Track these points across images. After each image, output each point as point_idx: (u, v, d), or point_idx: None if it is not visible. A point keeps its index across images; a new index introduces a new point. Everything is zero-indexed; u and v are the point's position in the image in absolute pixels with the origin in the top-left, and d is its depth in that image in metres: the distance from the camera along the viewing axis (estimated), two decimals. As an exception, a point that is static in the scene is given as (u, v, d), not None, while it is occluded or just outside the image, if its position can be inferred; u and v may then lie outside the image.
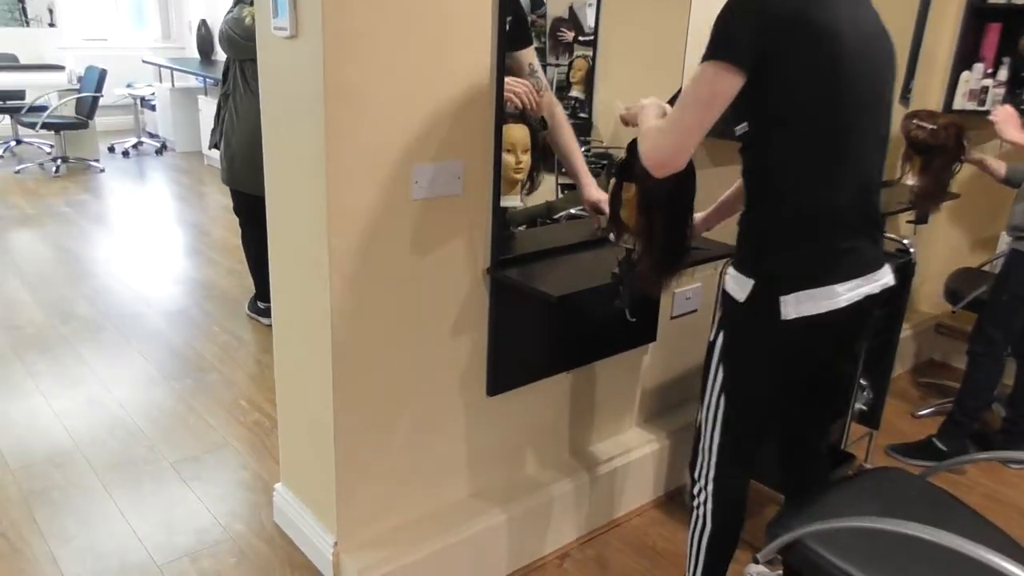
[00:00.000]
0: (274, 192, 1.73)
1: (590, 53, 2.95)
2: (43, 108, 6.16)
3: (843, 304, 1.38)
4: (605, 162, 3.88)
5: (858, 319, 1.46)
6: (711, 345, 1.54)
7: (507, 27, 1.63)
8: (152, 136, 7.56)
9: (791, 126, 1.33)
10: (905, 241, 2.40)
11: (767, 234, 1.41)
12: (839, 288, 1.38)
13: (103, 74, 6.24)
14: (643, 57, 2.60)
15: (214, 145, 3.32)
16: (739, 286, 1.44)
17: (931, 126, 2.60)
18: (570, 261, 1.89)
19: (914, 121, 2.63)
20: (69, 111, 6.37)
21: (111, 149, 7.06)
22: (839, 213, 1.39)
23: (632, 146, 1.62)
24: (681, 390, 2.57)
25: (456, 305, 1.77)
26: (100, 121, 6.82)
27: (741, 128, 1.39)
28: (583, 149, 3.93)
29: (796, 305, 1.37)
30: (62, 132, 6.29)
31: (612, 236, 1.74)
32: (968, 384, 2.61)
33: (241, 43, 3.03)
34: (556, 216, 3.61)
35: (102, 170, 6.34)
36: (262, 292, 3.41)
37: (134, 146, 7.17)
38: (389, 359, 1.69)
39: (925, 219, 2.72)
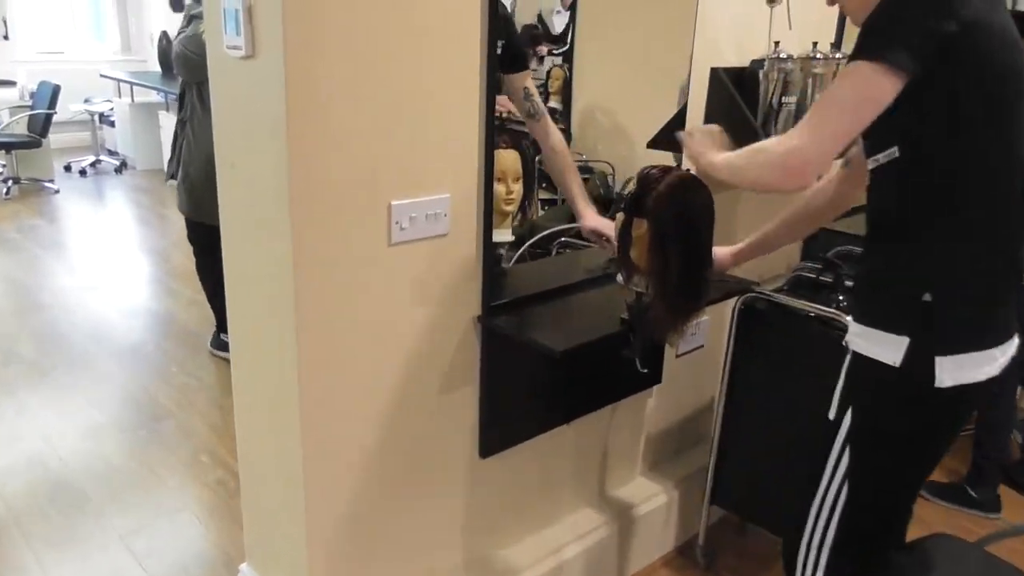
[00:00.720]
0: (231, 238, 1.51)
1: (562, 61, 2.81)
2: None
3: (996, 372, 1.17)
4: (586, 176, 3.70)
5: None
6: (830, 425, 1.27)
7: (499, 50, 1.43)
8: (112, 153, 7.25)
9: (967, 149, 1.11)
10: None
11: (932, 279, 1.14)
12: (996, 352, 1.16)
13: (56, 89, 5.95)
14: (628, 59, 2.43)
15: (171, 176, 3.08)
16: (884, 346, 1.16)
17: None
18: (571, 304, 1.68)
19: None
20: (21, 129, 6.05)
21: (67, 168, 6.74)
22: (1010, 255, 1.17)
23: (644, 179, 1.43)
24: (689, 433, 2.37)
25: (442, 359, 1.56)
26: (56, 139, 6.51)
27: (887, 155, 1.15)
28: None
29: (955, 371, 1.13)
30: (13, 151, 5.97)
31: (621, 278, 1.54)
32: (983, 424, 2.45)
33: (198, 63, 2.80)
34: (539, 235, 3.42)
35: (57, 191, 6.03)
36: (223, 323, 3.15)
37: (92, 164, 6.86)
38: (366, 422, 1.47)
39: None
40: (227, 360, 3.12)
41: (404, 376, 1.50)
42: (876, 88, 1.06)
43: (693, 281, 1.42)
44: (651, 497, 2.14)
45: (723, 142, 1.38)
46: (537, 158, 1.87)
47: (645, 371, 1.82)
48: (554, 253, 2.28)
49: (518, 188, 1.72)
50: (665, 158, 2.26)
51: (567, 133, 3.96)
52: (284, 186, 1.25)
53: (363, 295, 1.39)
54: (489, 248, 1.55)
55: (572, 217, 3.64)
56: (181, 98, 2.96)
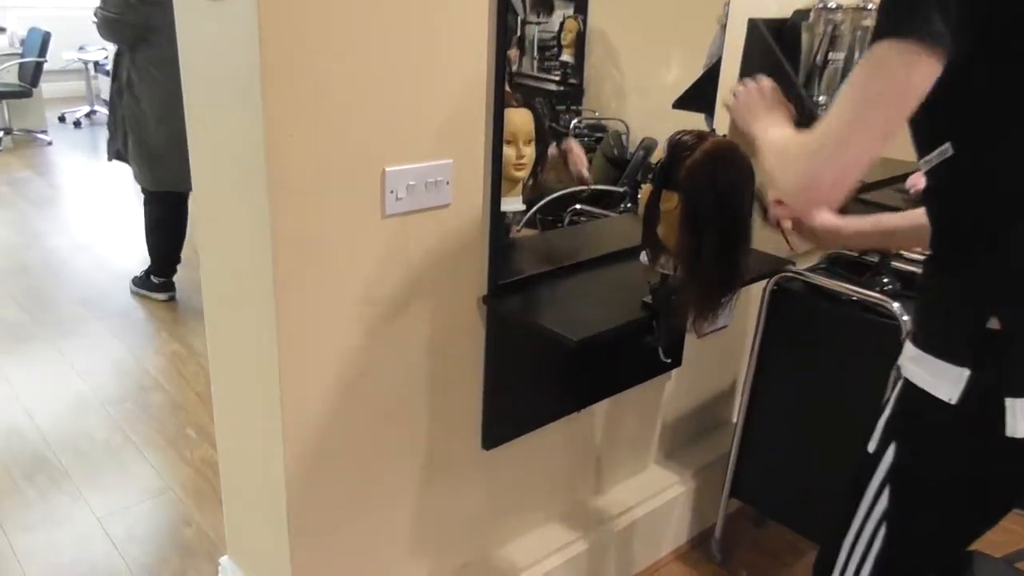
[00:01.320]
0: (204, 207, 1.35)
1: (574, 11, 2.62)
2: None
3: None
4: (601, 135, 3.52)
5: None
6: (869, 458, 1.07)
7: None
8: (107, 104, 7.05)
9: None
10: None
11: (1000, 302, 0.92)
12: None
13: (47, 36, 5.73)
14: (651, 7, 2.24)
15: (116, 155, 2.89)
16: (941, 378, 0.95)
17: None
18: (587, 283, 1.52)
19: None
20: (12, 78, 5.86)
21: (62, 119, 6.56)
22: None
23: (675, 146, 1.25)
24: (707, 418, 2.23)
25: (442, 343, 1.41)
26: (50, 88, 6.32)
27: (939, 154, 0.92)
28: (574, 121, 3.57)
29: None
30: (4, 101, 5.79)
31: (645, 257, 1.37)
32: None
33: (120, 22, 2.59)
34: (549, 198, 3.24)
35: (49, 143, 5.86)
36: (158, 268, 3.25)
37: (87, 115, 6.68)
38: (355, 411, 1.33)
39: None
40: (155, 299, 3.18)
41: (399, 361, 1.35)
42: (908, 75, 0.83)
43: (728, 264, 1.26)
44: (666, 488, 2.01)
45: (776, 101, 1.20)
46: (550, 121, 1.70)
47: (668, 360, 1.67)
48: (566, 222, 2.12)
49: (530, 152, 1.55)
50: (692, 120, 2.08)
51: (579, 88, 3.76)
52: (259, 150, 1.08)
53: (353, 272, 1.23)
54: (497, 221, 1.39)
55: (617, 179, 3.44)
56: (116, 66, 2.76)
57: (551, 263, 1.54)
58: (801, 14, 1.73)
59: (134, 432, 2.33)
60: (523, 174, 1.55)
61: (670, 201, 1.27)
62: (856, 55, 1.73)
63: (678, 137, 1.26)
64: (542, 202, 2.11)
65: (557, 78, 3.71)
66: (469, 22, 1.22)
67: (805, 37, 1.70)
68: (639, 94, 3.30)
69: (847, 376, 1.71)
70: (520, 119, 1.51)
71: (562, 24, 2.83)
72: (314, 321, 1.21)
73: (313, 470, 1.31)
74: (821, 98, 1.73)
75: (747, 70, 1.76)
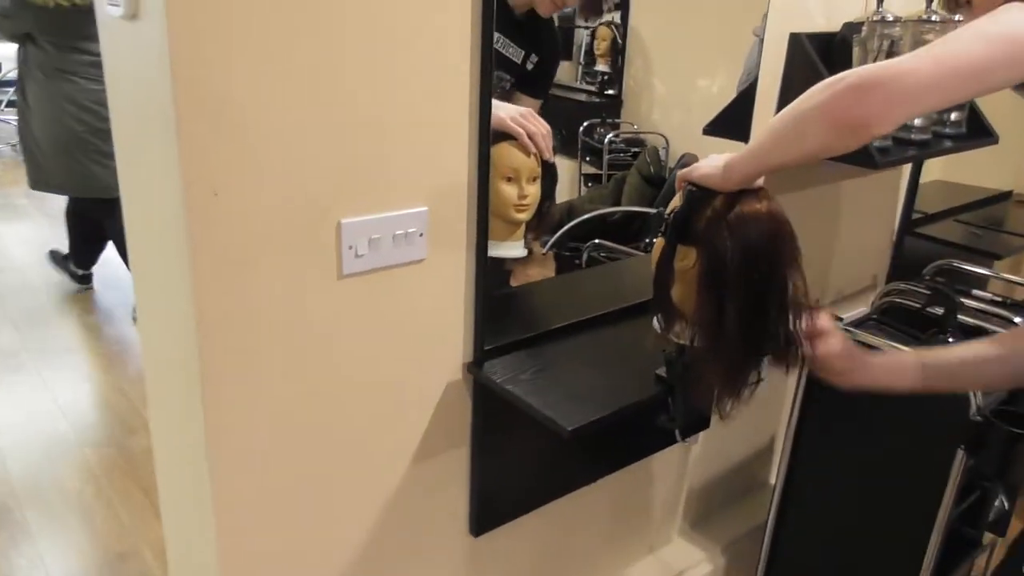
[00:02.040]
0: (137, 274, 1.17)
1: (610, 19, 2.44)
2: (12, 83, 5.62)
3: None
4: (636, 150, 3.29)
5: None
6: None
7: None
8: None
9: None
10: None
11: None
12: None
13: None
14: (693, 16, 2.05)
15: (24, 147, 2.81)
16: None
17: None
18: (594, 345, 1.31)
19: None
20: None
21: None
22: None
23: (692, 194, 1.03)
24: (739, 482, 1.99)
25: (421, 418, 1.20)
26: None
27: None
28: (610, 135, 3.35)
29: None
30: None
31: (657, 323, 1.15)
32: None
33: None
34: (580, 220, 3.02)
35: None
36: (74, 259, 3.38)
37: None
38: (316, 504, 1.13)
39: (1068, 251, 2.09)
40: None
41: (369, 443, 1.15)
42: None
43: (757, 332, 1.03)
44: (693, 566, 1.77)
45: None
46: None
47: (686, 442, 1.44)
48: (584, 260, 1.90)
49: (534, 190, 1.33)
50: (727, 146, 1.85)
51: (617, 99, 3.53)
52: (176, 208, 0.89)
53: (305, 346, 1.03)
54: (483, 271, 1.18)
55: (618, 198, 3.22)
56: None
57: (553, 319, 1.33)
58: (852, 27, 1.49)
59: (109, 481, 2.17)
60: (526, 216, 1.34)
61: (687, 258, 1.05)
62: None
63: (694, 189, 1.04)
64: (570, 224, 1.91)
65: (594, 88, 3.48)
66: (443, 42, 1.02)
67: (857, 53, 1.46)
68: (680, 107, 3.08)
69: (905, 448, 1.47)
70: (522, 153, 1.30)
71: (594, 32, 2.63)
72: (254, 406, 1.02)
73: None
74: (876, 125, 1.49)
75: (787, 92, 1.53)
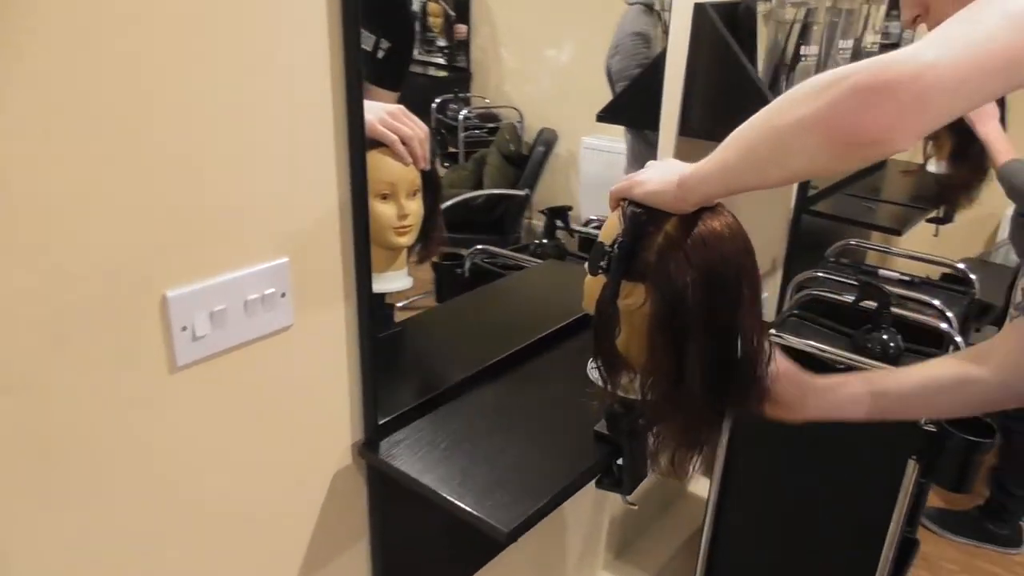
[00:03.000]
0: None
1: None
2: None
3: None
4: (493, 126, 3.08)
5: None
6: None
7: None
8: None
9: None
10: (961, 266, 1.76)
11: None
12: None
13: None
14: None
15: None
16: None
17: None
18: (513, 391, 1.09)
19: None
20: None
21: None
22: None
23: (637, 217, 0.83)
24: (661, 496, 1.85)
25: (301, 526, 0.94)
26: None
27: None
28: (464, 111, 3.13)
29: None
30: None
31: (596, 375, 0.95)
32: (1005, 462, 2.05)
33: None
34: (443, 207, 2.79)
35: None
36: None
37: None
38: None
39: (951, 217, 2.10)
40: None
41: (236, 558, 0.87)
42: None
43: (723, 383, 0.85)
44: (620, 604, 1.62)
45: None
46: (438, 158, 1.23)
47: (635, 506, 1.26)
48: (467, 268, 1.67)
49: (416, 207, 1.09)
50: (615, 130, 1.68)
51: (466, 72, 3.29)
52: None
53: (129, 477, 0.74)
54: (368, 332, 0.92)
55: (479, 180, 2.99)
56: None
57: (457, 367, 1.09)
58: (756, -7, 1.34)
59: None
60: (408, 239, 1.09)
61: (633, 295, 0.85)
62: (835, 47, 1.35)
63: (638, 206, 0.84)
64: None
65: (443, 61, 3.21)
66: (293, 41, 0.75)
67: (769, 26, 1.31)
68: (532, 78, 2.89)
69: (852, 456, 1.36)
70: (398, 165, 1.05)
71: (424, 8, 2.43)
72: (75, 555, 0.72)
73: None
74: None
75: (695, 69, 1.36)
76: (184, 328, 0.74)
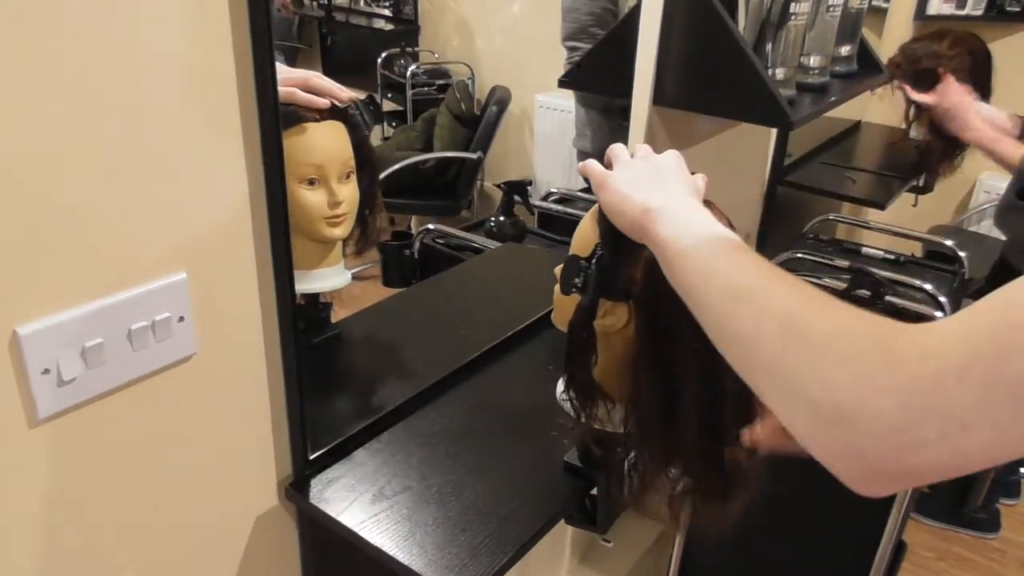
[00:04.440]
0: None
1: None
2: None
3: None
4: (443, 82, 2.95)
5: None
6: None
7: None
8: None
9: None
10: (948, 243, 1.67)
11: None
12: None
13: None
14: None
15: None
16: None
17: (950, 52, 1.86)
18: (468, 412, 0.95)
19: (926, 46, 1.88)
20: None
21: None
22: None
23: (614, 230, 0.69)
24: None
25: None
26: None
27: None
28: (413, 66, 2.98)
29: None
30: None
31: (569, 407, 0.81)
32: None
33: None
34: (390, 171, 2.68)
35: None
36: None
37: None
38: None
39: (931, 187, 2.02)
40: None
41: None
42: None
43: (719, 421, 0.73)
44: (588, 613, 1.52)
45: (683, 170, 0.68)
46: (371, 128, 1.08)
47: (610, 544, 1.15)
48: (416, 250, 1.53)
49: (350, 191, 0.94)
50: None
51: (414, 24, 3.12)
52: None
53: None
54: (293, 348, 0.78)
55: (428, 142, 2.82)
56: None
57: (405, 381, 0.96)
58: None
59: None
60: (343, 231, 0.94)
61: (613, 314, 0.72)
62: (826, 7, 1.22)
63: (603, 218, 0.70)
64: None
65: (388, 13, 3.03)
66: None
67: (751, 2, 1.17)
68: (482, 31, 2.74)
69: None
70: (327, 139, 0.90)
71: None
72: None
73: None
74: (779, 72, 1.22)
75: (672, 27, 1.21)
76: (46, 371, 0.58)
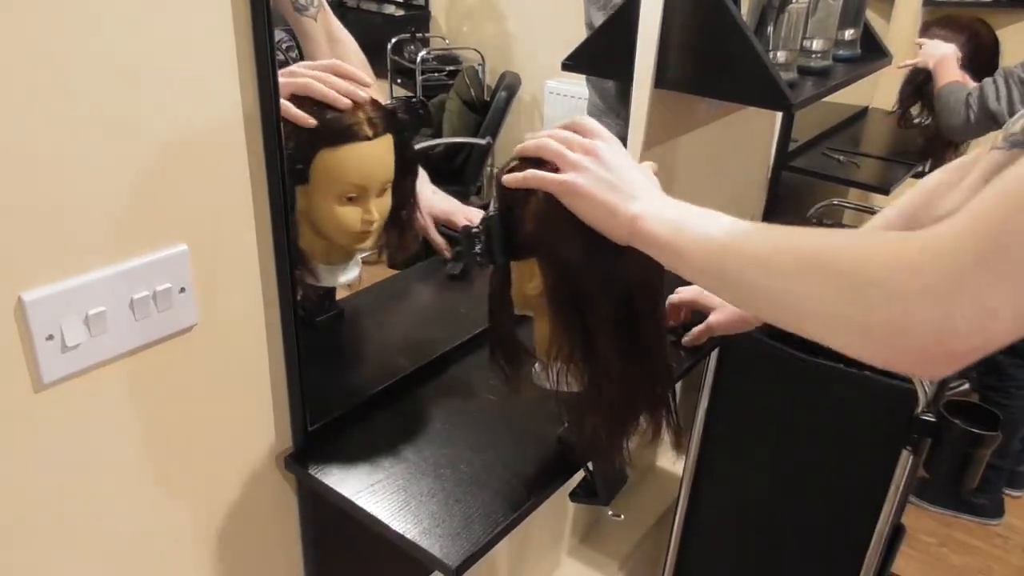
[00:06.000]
0: None
1: None
2: None
3: None
4: (453, 68, 2.95)
5: None
6: None
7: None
8: None
9: None
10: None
11: None
12: None
13: None
14: None
15: None
16: None
17: (959, 36, 1.86)
18: (468, 386, 0.97)
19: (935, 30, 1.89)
20: None
21: None
22: None
23: (506, 188, 0.71)
24: (635, 475, 1.77)
25: (219, 549, 0.83)
26: None
27: None
28: (423, 52, 2.99)
29: None
30: None
31: (536, 373, 0.83)
32: None
33: None
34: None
35: None
36: None
37: None
38: None
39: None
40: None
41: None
42: None
43: (639, 358, 0.75)
44: (587, 595, 1.55)
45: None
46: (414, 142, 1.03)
47: (619, 517, 1.16)
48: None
49: (384, 202, 0.91)
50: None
51: (424, 10, 3.12)
52: None
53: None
54: (293, 321, 0.80)
55: (439, 128, 2.83)
56: None
57: (405, 357, 0.98)
58: (747, -75, 1.20)
59: None
60: (371, 241, 0.93)
61: (528, 275, 0.74)
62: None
63: (510, 166, 0.72)
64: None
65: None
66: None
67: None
68: (492, 16, 2.75)
69: (837, 443, 1.29)
70: (374, 160, 0.86)
71: None
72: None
73: None
74: (780, 55, 1.23)
75: (674, 9, 1.22)
76: (50, 337, 0.61)
